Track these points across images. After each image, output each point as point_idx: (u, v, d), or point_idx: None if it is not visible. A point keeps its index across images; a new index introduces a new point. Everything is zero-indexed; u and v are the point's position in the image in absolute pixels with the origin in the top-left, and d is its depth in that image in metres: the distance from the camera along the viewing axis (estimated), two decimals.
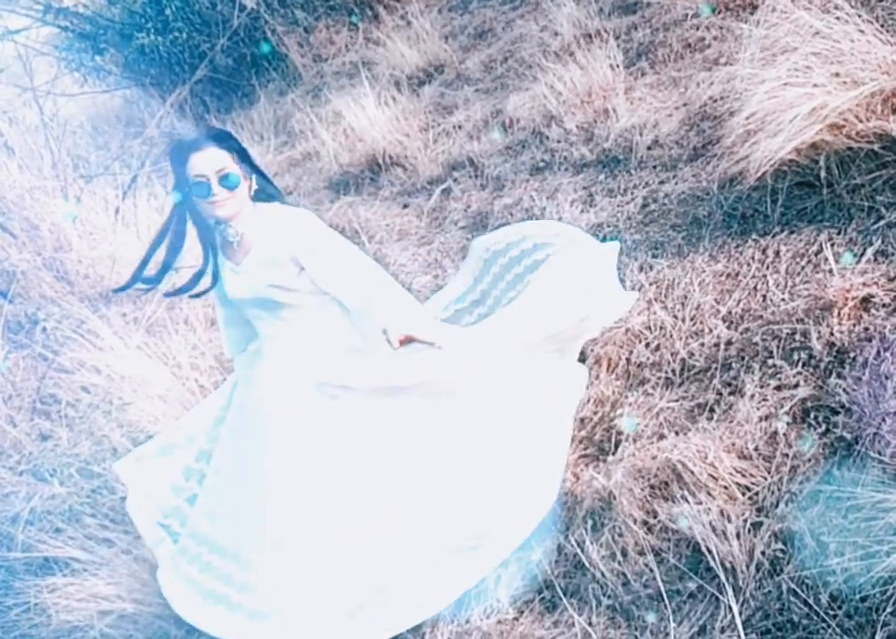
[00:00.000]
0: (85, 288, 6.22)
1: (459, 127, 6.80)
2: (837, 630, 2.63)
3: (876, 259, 3.60)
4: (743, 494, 3.15)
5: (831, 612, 2.68)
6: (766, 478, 3.15)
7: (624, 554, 3.24)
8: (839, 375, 3.28)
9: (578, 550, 3.33)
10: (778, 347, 3.58)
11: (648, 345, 4.05)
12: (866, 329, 3.37)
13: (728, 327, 3.85)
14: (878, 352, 3.22)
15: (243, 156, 3.44)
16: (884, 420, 2.96)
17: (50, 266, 6.34)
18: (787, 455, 3.16)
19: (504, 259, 4.40)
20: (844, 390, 3.19)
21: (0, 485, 4.89)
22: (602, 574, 3.22)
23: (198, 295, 3.67)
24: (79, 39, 10.23)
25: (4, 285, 6.26)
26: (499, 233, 4.61)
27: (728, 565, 2.95)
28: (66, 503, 4.69)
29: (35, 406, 5.47)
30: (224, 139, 3.41)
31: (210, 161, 3.31)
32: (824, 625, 2.67)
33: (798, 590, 2.77)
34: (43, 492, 4.74)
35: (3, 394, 5.56)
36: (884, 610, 2.59)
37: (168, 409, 4.83)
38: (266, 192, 3.56)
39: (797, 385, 3.38)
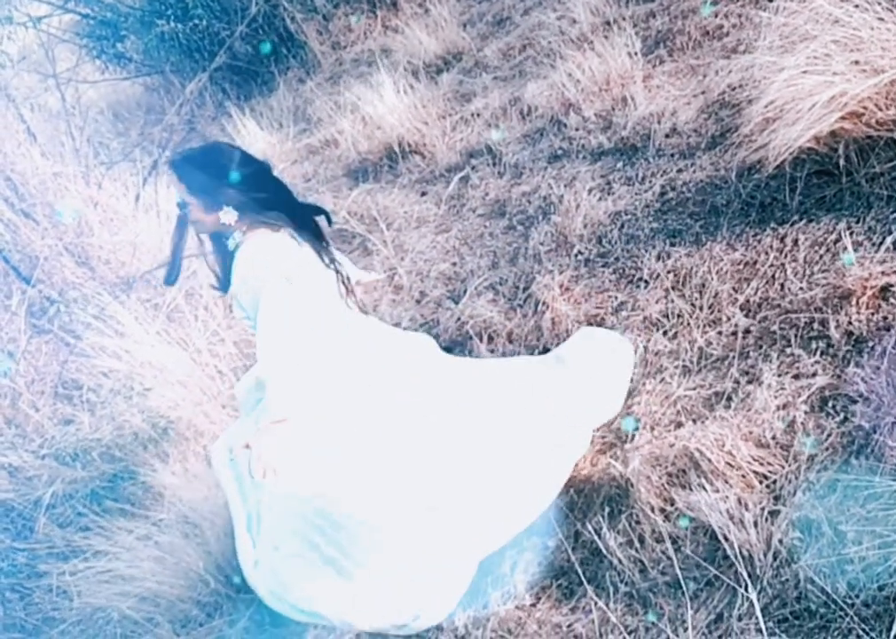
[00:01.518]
0: (106, 274, 6.25)
1: (478, 115, 6.80)
2: (855, 619, 2.64)
3: (895, 248, 3.60)
4: (761, 483, 3.16)
5: (849, 601, 2.69)
6: (783, 467, 3.16)
7: (642, 541, 3.26)
8: (857, 364, 3.29)
9: (596, 537, 3.34)
10: (796, 336, 3.58)
11: (665, 333, 4.06)
12: (884, 318, 3.37)
13: (746, 316, 3.85)
14: None
15: (194, 187, 3.28)
16: None
17: (71, 252, 6.38)
18: (805, 444, 3.17)
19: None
20: (862, 379, 3.19)
21: (23, 468, 4.93)
22: (620, 561, 3.23)
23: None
24: (100, 26, 10.25)
25: (27, 270, 6.30)
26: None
27: (746, 553, 2.96)
28: (87, 487, 4.73)
29: (57, 390, 5.51)
30: (182, 171, 3.28)
31: (172, 186, 3.30)
32: (842, 613, 2.68)
33: (816, 579, 2.78)
34: (65, 476, 4.78)
35: (26, 378, 5.60)
36: None
37: (188, 395, 4.86)
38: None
39: (815, 374, 3.39)
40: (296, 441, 3.29)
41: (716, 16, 6.01)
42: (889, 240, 3.63)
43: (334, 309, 3.45)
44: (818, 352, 3.46)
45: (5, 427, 5.33)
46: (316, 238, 3.45)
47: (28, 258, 6.39)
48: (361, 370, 3.46)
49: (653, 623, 3.02)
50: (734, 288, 4.00)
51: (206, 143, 3.55)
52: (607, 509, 3.45)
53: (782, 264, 3.94)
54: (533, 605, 3.36)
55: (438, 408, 3.56)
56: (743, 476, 3.18)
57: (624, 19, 6.56)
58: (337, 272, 3.49)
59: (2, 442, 5.21)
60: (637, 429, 3.70)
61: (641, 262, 4.49)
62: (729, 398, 3.56)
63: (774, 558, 2.92)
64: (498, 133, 6.33)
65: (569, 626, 3.20)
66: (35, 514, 4.66)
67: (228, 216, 3.29)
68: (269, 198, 3.35)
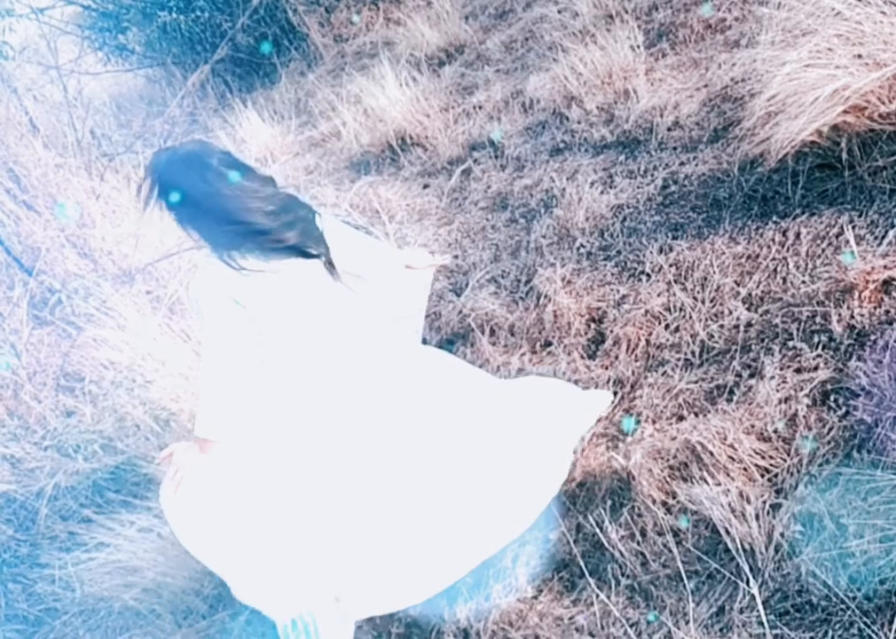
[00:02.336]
0: (108, 266, 6.26)
1: (480, 107, 6.80)
2: (857, 612, 2.65)
3: None
4: (763, 476, 3.16)
5: (850, 595, 2.70)
6: (785, 460, 3.16)
7: (643, 534, 3.26)
8: (860, 358, 3.29)
9: (597, 530, 3.35)
10: (798, 329, 3.58)
11: (667, 327, 4.06)
12: (887, 312, 3.37)
13: (748, 309, 3.85)
14: None
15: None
16: None
17: (73, 243, 6.38)
18: (807, 438, 3.18)
19: None
20: (864, 372, 3.20)
21: (25, 460, 4.94)
22: (621, 554, 3.24)
23: None
24: (102, 18, 10.25)
25: (29, 261, 6.31)
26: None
27: (747, 547, 2.97)
28: (89, 479, 4.73)
29: (59, 382, 5.52)
30: (149, 173, 3.08)
31: None
32: (843, 607, 2.68)
33: (817, 572, 2.79)
34: (67, 467, 4.79)
35: (28, 370, 5.60)
36: None
37: (189, 387, 4.86)
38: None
39: (817, 368, 3.39)
40: (227, 463, 3.23)
41: (718, 9, 6.01)
42: (891, 233, 3.63)
43: (319, 307, 3.26)
44: (820, 346, 3.46)
45: (8, 418, 5.34)
46: (302, 234, 3.17)
47: (30, 249, 6.39)
48: (343, 372, 3.32)
49: (654, 616, 3.03)
50: (736, 282, 4.01)
51: (187, 147, 3.15)
52: (608, 502, 3.45)
53: (784, 258, 3.94)
54: (535, 598, 3.37)
55: (420, 415, 3.44)
56: (745, 469, 3.19)
57: (626, 11, 6.56)
58: (328, 262, 3.26)
59: (4, 433, 5.22)
60: (637, 427, 3.70)
61: (643, 255, 4.50)
62: (731, 392, 3.57)
63: (776, 551, 2.93)
64: (497, 133, 6.32)
65: (570, 618, 3.21)
66: (37, 505, 4.67)
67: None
68: (211, 228, 3.08)
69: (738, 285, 3.99)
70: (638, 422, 3.73)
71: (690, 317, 3.99)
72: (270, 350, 3.18)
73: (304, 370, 3.26)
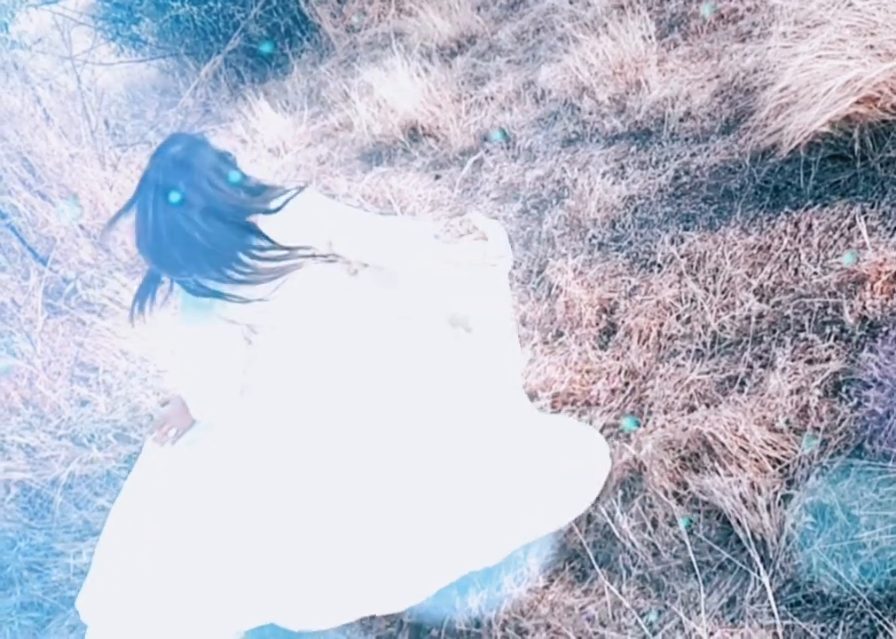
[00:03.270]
0: (122, 255, 6.28)
1: (492, 98, 6.80)
2: (868, 603, 2.65)
3: None
4: (774, 467, 3.17)
5: (861, 586, 2.70)
6: (796, 451, 3.17)
7: (655, 525, 3.27)
8: (871, 349, 3.29)
9: (609, 520, 3.35)
10: (810, 320, 3.59)
11: (679, 317, 4.07)
12: None
13: (760, 301, 3.86)
14: None
15: None
16: None
17: (87, 233, 6.40)
18: (818, 429, 3.18)
19: None
20: (876, 364, 3.20)
21: (40, 448, 4.96)
22: (633, 544, 3.24)
23: None
24: (115, 9, 10.23)
25: (43, 251, 6.33)
26: None
27: (759, 538, 2.98)
28: (103, 468, 4.75)
29: (73, 371, 5.54)
30: None
31: None
32: (854, 598, 2.69)
33: (829, 563, 2.80)
34: (82, 456, 4.80)
35: (43, 359, 5.63)
36: None
37: None
38: None
39: (828, 359, 3.39)
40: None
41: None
42: None
43: (307, 303, 3.08)
44: (832, 337, 3.47)
45: (23, 407, 5.36)
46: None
47: (45, 239, 6.42)
48: (336, 370, 3.13)
49: (665, 606, 3.04)
50: (747, 273, 4.01)
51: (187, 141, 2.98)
52: (620, 493, 3.46)
53: (796, 249, 3.95)
54: (546, 588, 3.38)
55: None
56: (756, 460, 3.19)
57: (638, 2, 6.55)
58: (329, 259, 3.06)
59: (19, 422, 5.24)
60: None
61: (655, 246, 4.50)
62: (742, 383, 3.57)
63: (787, 542, 2.93)
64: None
65: (581, 608, 3.22)
66: (52, 494, 4.69)
67: None
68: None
69: (750, 276, 3.99)
70: (649, 414, 3.73)
71: (702, 308, 4.00)
72: (253, 338, 3.15)
73: (288, 365, 3.14)
